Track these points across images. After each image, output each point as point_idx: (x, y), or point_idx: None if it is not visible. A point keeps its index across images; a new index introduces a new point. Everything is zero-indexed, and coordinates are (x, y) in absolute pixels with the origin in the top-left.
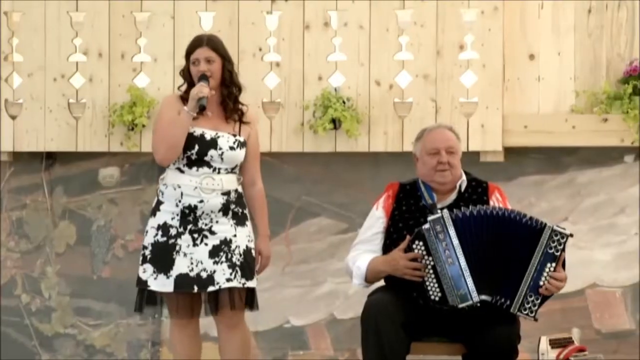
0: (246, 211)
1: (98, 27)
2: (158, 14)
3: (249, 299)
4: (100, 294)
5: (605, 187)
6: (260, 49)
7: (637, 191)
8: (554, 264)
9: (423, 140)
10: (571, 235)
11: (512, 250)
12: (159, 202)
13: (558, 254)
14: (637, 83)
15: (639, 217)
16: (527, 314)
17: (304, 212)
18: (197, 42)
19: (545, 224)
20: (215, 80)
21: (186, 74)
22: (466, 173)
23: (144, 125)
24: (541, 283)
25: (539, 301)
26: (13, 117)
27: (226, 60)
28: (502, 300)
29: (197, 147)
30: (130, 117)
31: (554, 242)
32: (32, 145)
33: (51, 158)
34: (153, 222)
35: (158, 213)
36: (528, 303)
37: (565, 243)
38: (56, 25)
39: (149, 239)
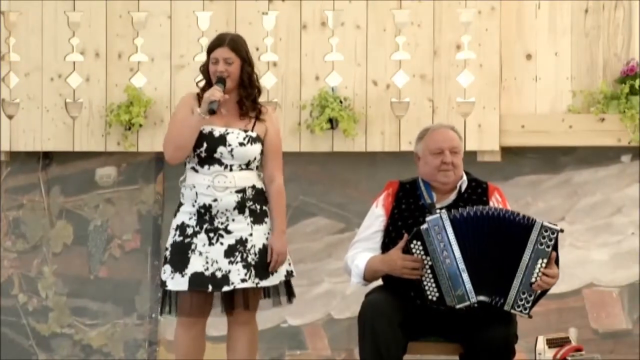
0: (266, 208)
1: (95, 27)
2: (155, 14)
3: (287, 290)
4: (97, 293)
5: (601, 187)
6: (257, 49)
7: (634, 191)
8: (545, 260)
9: (426, 140)
10: (561, 230)
11: (506, 249)
12: (180, 204)
13: (549, 249)
14: (634, 83)
15: (638, 216)
16: (520, 311)
17: (301, 212)
18: (219, 41)
19: (535, 220)
20: (232, 82)
21: (205, 70)
22: (466, 173)
23: (141, 125)
24: (533, 280)
25: (532, 298)
26: (10, 117)
27: (246, 62)
28: (497, 298)
29: (205, 144)
30: (127, 116)
31: (544, 238)
32: (29, 145)
33: (48, 158)
34: (173, 224)
35: (178, 214)
36: (521, 300)
37: (556, 239)
38: (53, 25)
39: (169, 240)
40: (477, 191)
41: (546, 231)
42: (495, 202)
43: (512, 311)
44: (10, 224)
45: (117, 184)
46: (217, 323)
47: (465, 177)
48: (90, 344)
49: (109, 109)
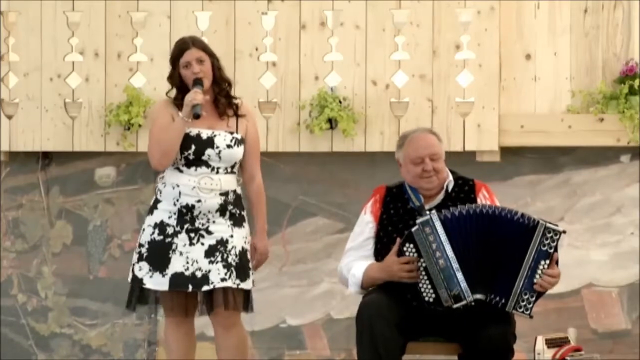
0: (244, 213)
1: (94, 27)
2: (154, 14)
3: (244, 300)
4: (96, 293)
5: (601, 187)
6: (256, 49)
7: (633, 191)
8: (547, 261)
9: (406, 148)
10: (564, 231)
11: (504, 248)
12: (157, 201)
13: (552, 251)
14: (633, 83)
15: (638, 216)
16: (522, 312)
17: (301, 212)
18: (184, 45)
19: (538, 221)
20: (208, 80)
21: (176, 79)
22: (452, 172)
23: (140, 125)
24: (535, 280)
25: (533, 299)
26: (9, 117)
27: (214, 58)
28: (497, 298)
29: (193, 147)
30: (127, 116)
31: (547, 239)
32: (28, 145)
33: (47, 158)
34: (150, 220)
35: (155, 211)
36: (523, 301)
37: (558, 240)
38: (52, 25)
39: (145, 237)
40: (464, 189)
41: (549, 232)
42: (482, 199)
43: (514, 312)
44: (10, 224)
45: (117, 184)
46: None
47: (451, 177)
48: (90, 343)
49: (108, 109)
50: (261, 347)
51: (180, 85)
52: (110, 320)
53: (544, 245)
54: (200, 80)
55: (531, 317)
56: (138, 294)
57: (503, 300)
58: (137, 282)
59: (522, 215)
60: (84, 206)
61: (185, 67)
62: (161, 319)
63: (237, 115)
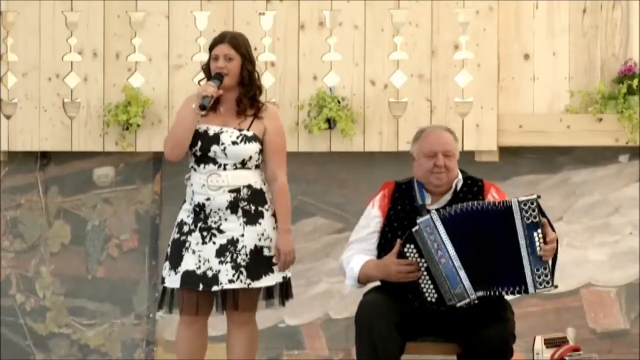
0: (263, 208)
1: (93, 27)
2: (153, 14)
3: (270, 295)
4: (94, 293)
5: (599, 187)
6: (255, 49)
7: (632, 191)
8: (539, 230)
9: (420, 142)
10: (539, 196)
11: (497, 240)
12: (183, 201)
13: (537, 220)
14: (632, 83)
15: (637, 216)
16: (544, 287)
17: (299, 212)
18: (220, 38)
19: (510, 201)
20: (231, 79)
21: (207, 69)
22: (462, 172)
23: (138, 125)
24: (539, 253)
25: (547, 270)
26: (7, 117)
27: (246, 59)
28: (518, 288)
29: (199, 143)
30: (125, 116)
31: (526, 212)
32: (26, 144)
33: (46, 158)
34: (176, 221)
35: (180, 211)
36: (540, 277)
37: (537, 206)
38: (51, 25)
39: (171, 237)
40: (473, 189)
41: (525, 205)
42: (491, 199)
43: (538, 291)
44: (8, 224)
45: (115, 184)
46: (215, 323)
47: (460, 176)
48: (88, 343)
49: (106, 108)
50: (260, 346)
51: (209, 75)
52: (109, 320)
53: (528, 219)
54: (221, 76)
55: (556, 286)
56: (167, 294)
57: (523, 287)
58: (162, 281)
59: (499, 202)
60: (82, 206)
61: (214, 59)
62: (160, 318)
63: (255, 115)
